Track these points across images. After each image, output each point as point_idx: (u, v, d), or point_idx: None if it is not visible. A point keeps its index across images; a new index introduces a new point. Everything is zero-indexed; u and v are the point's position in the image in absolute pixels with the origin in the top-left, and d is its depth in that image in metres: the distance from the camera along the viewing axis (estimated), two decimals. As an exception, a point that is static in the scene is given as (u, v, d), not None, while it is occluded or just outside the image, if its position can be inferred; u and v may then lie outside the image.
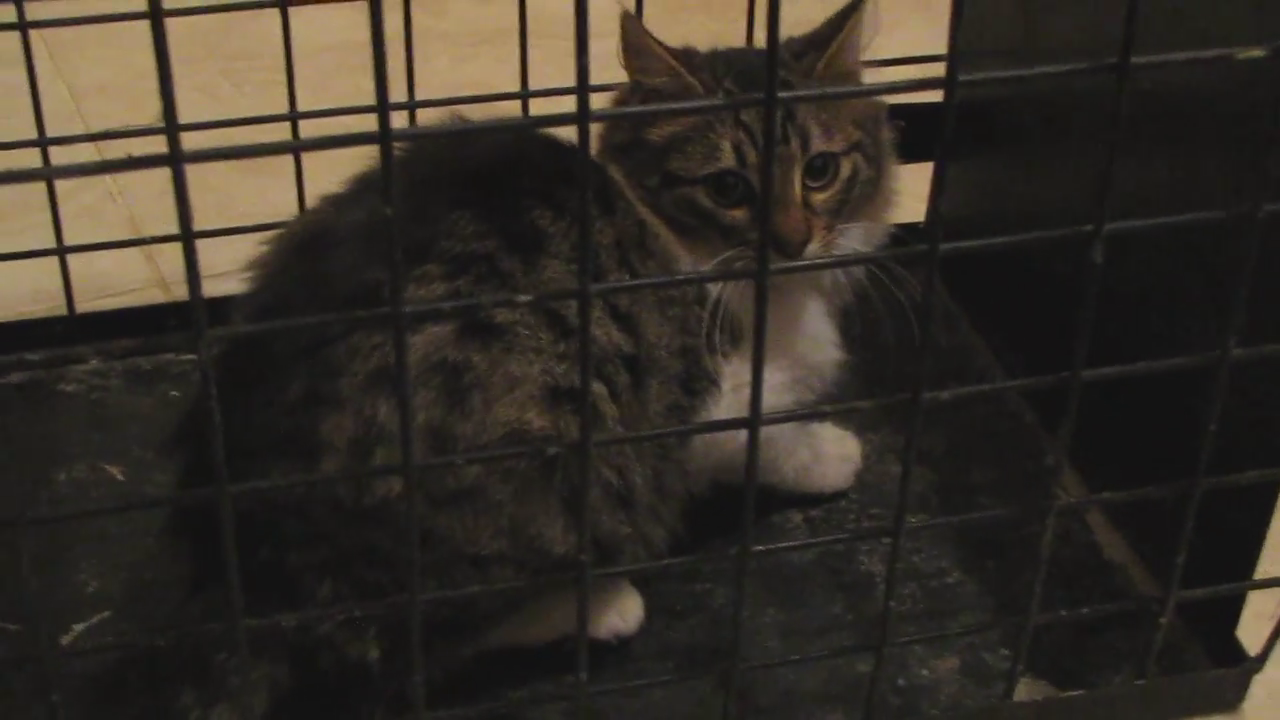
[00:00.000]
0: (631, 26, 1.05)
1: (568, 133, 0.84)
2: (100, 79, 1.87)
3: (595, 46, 1.08)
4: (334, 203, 1.08)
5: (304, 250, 1.04)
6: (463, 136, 1.10)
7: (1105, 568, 1.20)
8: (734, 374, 1.10)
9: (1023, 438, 1.34)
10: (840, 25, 1.08)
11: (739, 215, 1.07)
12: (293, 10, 1.29)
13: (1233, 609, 1.09)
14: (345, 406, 0.96)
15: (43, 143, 1.30)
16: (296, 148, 1.15)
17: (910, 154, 1.46)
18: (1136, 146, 1.19)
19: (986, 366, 1.42)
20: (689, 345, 1.08)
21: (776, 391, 1.12)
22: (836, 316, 1.19)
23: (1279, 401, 1.04)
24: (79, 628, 1.12)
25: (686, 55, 1.08)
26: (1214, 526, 1.07)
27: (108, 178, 1.69)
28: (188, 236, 0.73)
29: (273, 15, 1.31)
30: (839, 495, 1.26)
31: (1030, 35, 1.36)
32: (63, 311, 1.39)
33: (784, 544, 0.96)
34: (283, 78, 1.34)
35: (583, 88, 0.72)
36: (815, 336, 1.16)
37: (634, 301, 1.04)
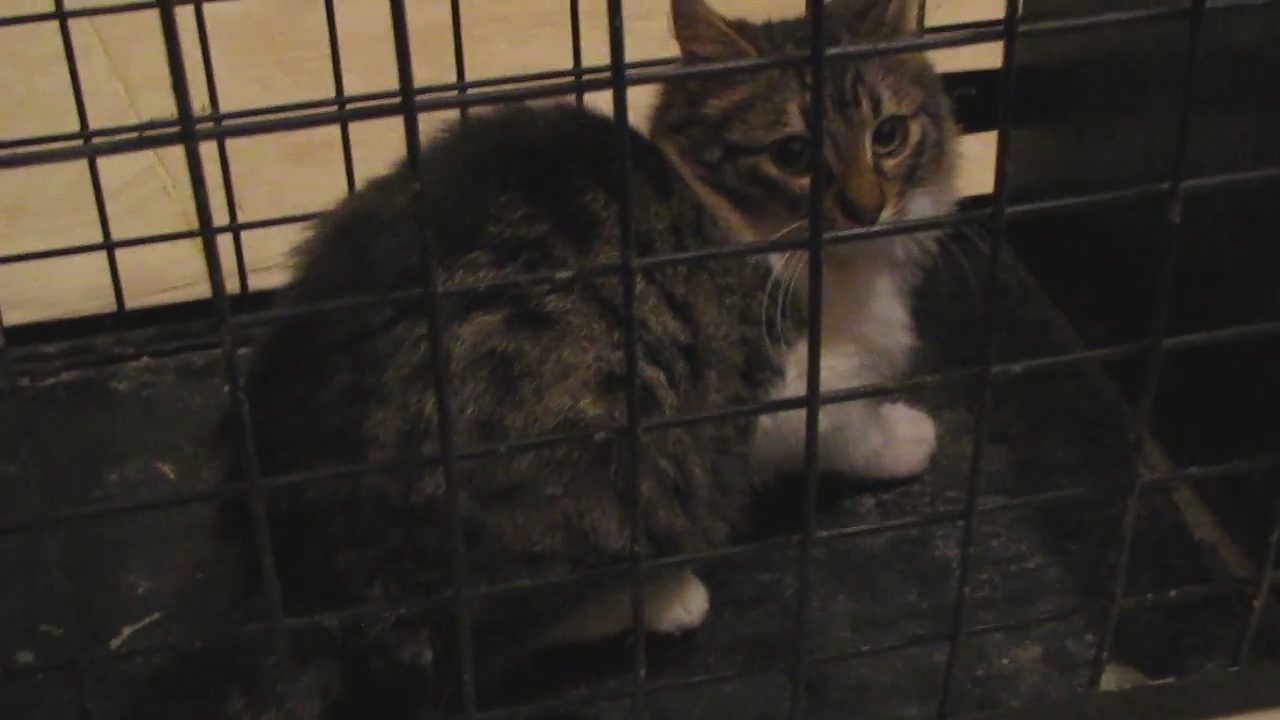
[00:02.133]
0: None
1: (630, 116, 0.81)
2: (155, 73, 1.84)
3: (653, 25, 1.05)
4: (379, 186, 1.05)
5: (347, 236, 1.00)
6: (514, 117, 1.07)
7: (1195, 548, 1.14)
8: (800, 361, 1.05)
9: (1105, 413, 1.28)
10: None
11: (808, 183, 1.02)
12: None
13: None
14: (390, 400, 0.92)
15: (86, 135, 1.27)
16: (312, 121, 1.12)
17: (982, 122, 1.41)
18: (1215, 110, 1.14)
19: (1066, 340, 1.36)
20: (749, 335, 1.03)
21: (844, 378, 1.07)
22: (907, 296, 1.13)
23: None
24: (128, 630, 1.09)
25: (740, 25, 1.03)
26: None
27: (162, 171, 1.67)
28: (207, 228, 0.70)
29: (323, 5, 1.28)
30: (913, 478, 1.21)
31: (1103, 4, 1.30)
32: (114, 308, 1.37)
33: (849, 529, 0.91)
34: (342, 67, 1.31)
35: (617, 52, 0.68)
36: (885, 319, 1.11)
37: (689, 289, 0.99)
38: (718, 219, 1.04)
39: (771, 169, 1.02)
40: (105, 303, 1.39)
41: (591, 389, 0.93)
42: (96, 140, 1.25)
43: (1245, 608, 0.97)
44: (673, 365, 0.98)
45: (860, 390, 0.89)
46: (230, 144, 1.35)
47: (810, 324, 0.77)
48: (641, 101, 1.09)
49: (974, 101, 1.38)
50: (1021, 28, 0.75)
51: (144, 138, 0.68)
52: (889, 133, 1.03)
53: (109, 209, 1.36)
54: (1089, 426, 1.26)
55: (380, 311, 0.94)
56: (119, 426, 1.29)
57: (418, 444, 0.92)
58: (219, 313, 0.68)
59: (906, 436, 1.21)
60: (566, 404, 0.93)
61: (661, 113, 1.08)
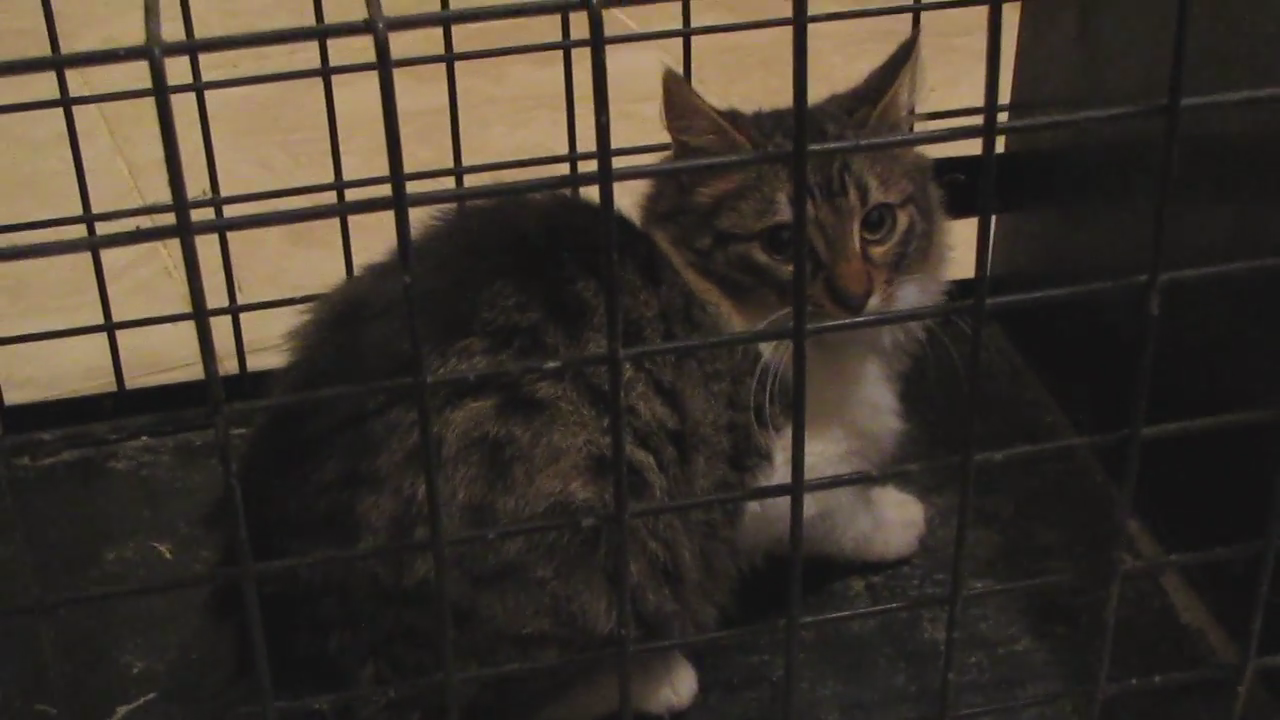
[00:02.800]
0: (675, 86, 1.02)
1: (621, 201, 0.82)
2: (158, 154, 1.87)
3: (646, 109, 1.07)
4: (374, 272, 1.07)
5: (341, 322, 1.02)
6: (508, 205, 1.09)
7: (1183, 633, 1.15)
8: (788, 446, 1.07)
9: (1094, 498, 1.29)
10: (892, 76, 1.06)
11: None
12: (349, 81, 1.28)
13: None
14: (384, 485, 0.93)
15: (88, 219, 1.29)
16: (305, 215, 1.14)
17: (973, 207, 1.43)
18: (1201, 198, 1.16)
19: (1056, 424, 1.37)
20: (737, 421, 1.04)
21: (832, 464, 1.08)
22: (895, 381, 1.15)
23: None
24: (123, 710, 1.10)
25: (732, 114, 1.05)
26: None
27: (164, 252, 1.70)
28: (200, 312, 0.71)
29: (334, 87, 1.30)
30: (903, 561, 1.22)
31: (1094, 86, 1.32)
32: (114, 387, 1.39)
33: (835, 614, 0.92)
34: (341, 149, 1.33)
35: (603, 147, 0.70)
36: (874, 404, 1.12)
37: (677, 377, 1.01)
38: (707, 306, 1.05)
39: (761, 256, 1.03)
40: (106, 382, 1.41)
41: (582, 472, 0.95)
42: (98, 232, 1.27)
43: (1231, 693, 0.98)
44: (661, 450, 0.99)
45: (845, 478, 0.91)
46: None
47: (794, 410, 0.78)
48: (636, 186, 1.11)
49: (965, 187, 1.41)
50: (1000, 125, 0.76)
51: (140, 232, 0.69)
52: (877, 221, 1.04)
53: (111, 289, 1.38)
54: (1078, 510, 1.27)
55: (374, 397, 0.95)
56: (117, 506, 1.30)
57: (410, 528, 0.93)
58: (212, 400, 0.70)
59: (895, 520, 1.22)
60: (557, 487, 0.94)
61: (653, 201, 1.10)
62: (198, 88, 1.26)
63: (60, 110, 1.27)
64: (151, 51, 0.60)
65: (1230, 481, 1.13)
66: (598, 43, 0.63)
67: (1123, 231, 1.30)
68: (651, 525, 0.98)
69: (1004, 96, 1.44)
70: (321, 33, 1.18)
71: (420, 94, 1.45)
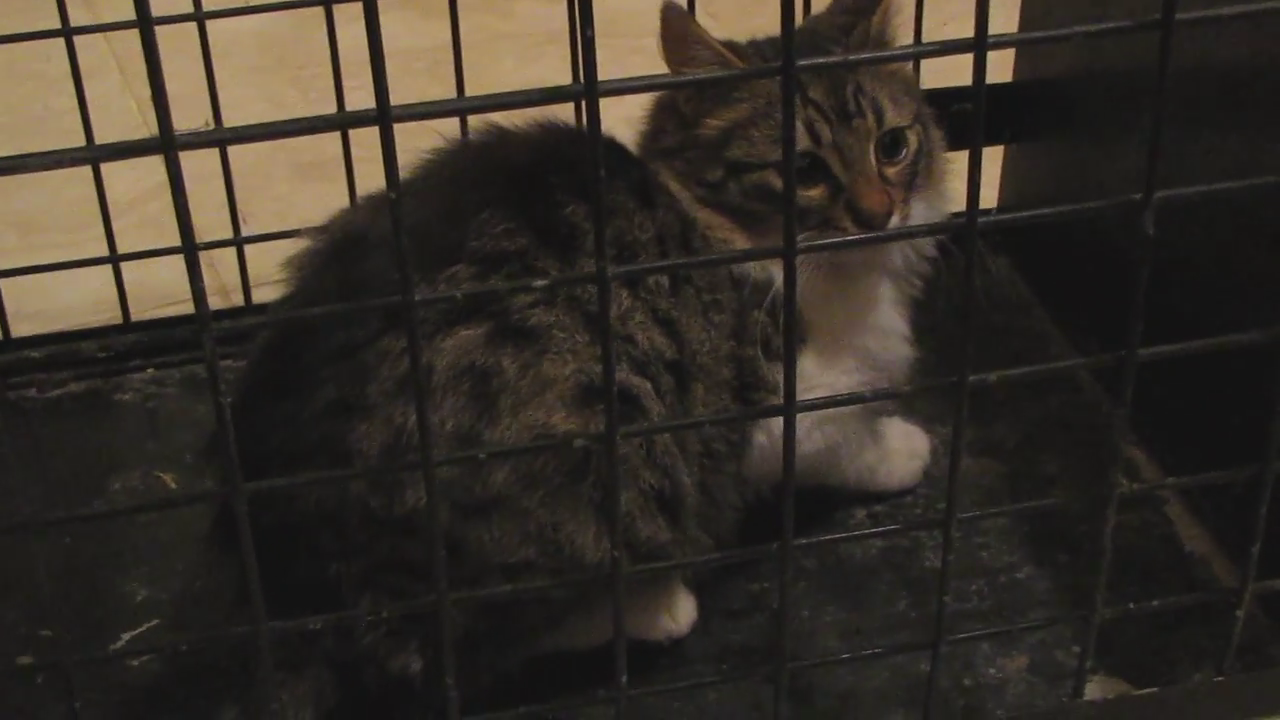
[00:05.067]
0: (673, 16, 1.01)
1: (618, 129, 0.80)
2: (169, 91, 1.88)
3: (647, 43, 1.07)
4: (371, 203, 1.07)
5: (337, 254, 1.02)
6: (499, 135, 1.08)
7: (1186, 560, 1.15)
8: (802, 377, 1.06)
9: (1100, 428, 1.28)
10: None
11: (816, 195, 1.03)
12: (358, 15, 1.27)
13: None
14: (374, 413, 0.93)
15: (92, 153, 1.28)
16: (281, 132, 1.13)
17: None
18: (1205, 126, 1.15)
19: (1062, 354, 1.37)
20: (742, 354, 1.04)
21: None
22: (907, 306, 1.14)
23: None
24: (127, 636, 1.10)
25: (731, 44, 1.04)
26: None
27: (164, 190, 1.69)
28: (188, 244, 0.71)
29: (342, 23, 1.29)
30: (907, 491, 1.21)
31: (1101, 13, 1.31)
32: (120, 320, 1.39)
33: (827, 537, 0.92)
34: (351, 84, 1.32)
35: (590, 64, 0.69)
36: (886, 330, 1.11)
37: (675, 305, 1.00)
38: (711, 237, 1.04)
39: (778, 183, 1.03)
40: (113, 315, 1.41)
41: (567, 404, 0.94)
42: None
43: (1231, 618, 0.98)
44: (658, 378, 0.99)
45: (839, 398, 0.90)
46: (238, 160, 1.38)
47: (785, 329, 0.77)
48: (636, 123, 1.10)
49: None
50: (992, 39, 0.75)
51: (126, 144, 0.69)
52: (891, 143, 1.04)
53: (118, 224, 1.38)
54: (1083, 440, 1.27)
55: (365, 326, 0.95)
56: (123, 437, 1.30)
57: (401, 457, 0.93)
58: (200, 318, 0.70)
59: (901, 451, 1.21)
60: (540, 419, 0.94)
61: (653, 138, 1.09)
62: (199, 17, 1.25)
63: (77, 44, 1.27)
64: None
65: (1234, 407, 1.12)
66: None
67: (1133, 161, 1.28)
68: (646, 452, 0.98)
69: (1012, 26, 1.42)
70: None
71: (429, 30, 1.44)
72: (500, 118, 1.06)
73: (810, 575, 1.13)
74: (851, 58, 0.82)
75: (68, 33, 1.25)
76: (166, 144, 0.69)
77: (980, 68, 0.77)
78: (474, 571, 0.96)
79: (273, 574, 1.00)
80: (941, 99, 1.39)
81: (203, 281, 0.71)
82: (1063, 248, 1.39)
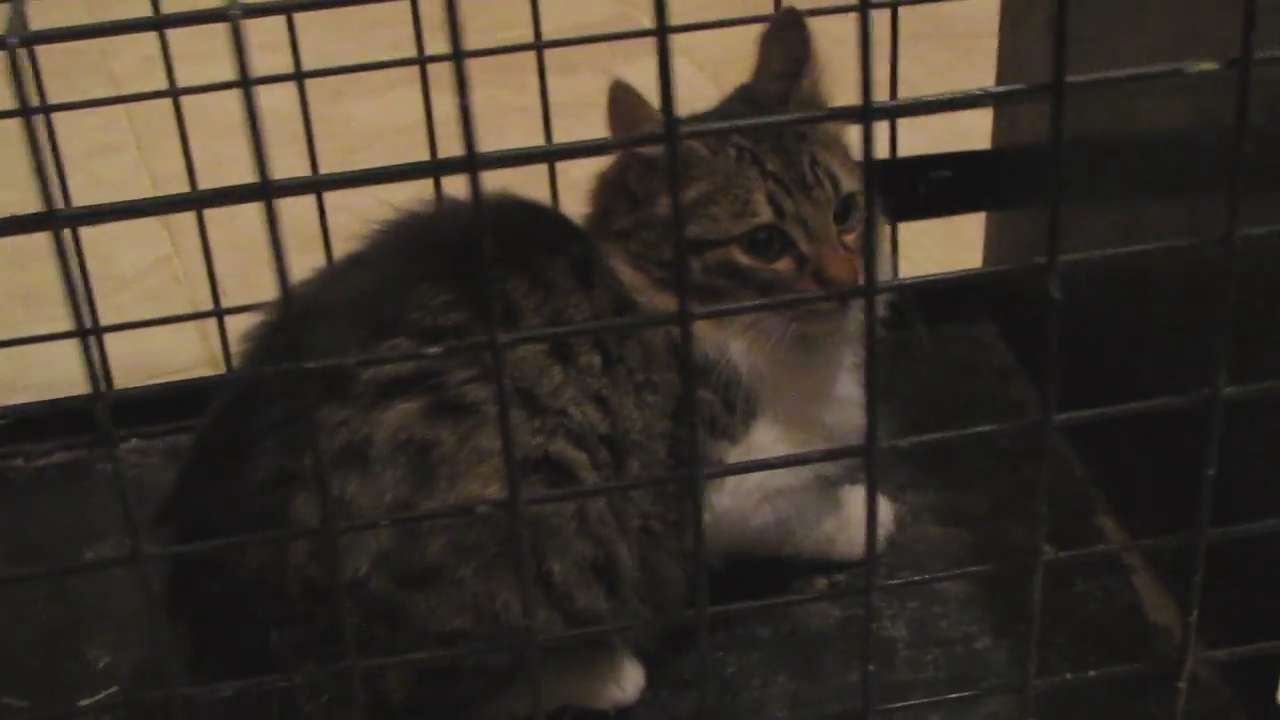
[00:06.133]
0: (621, 94, 1.00)
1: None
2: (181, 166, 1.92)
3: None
4: (324, 274, 1.08)
5: (285, 324, 1.03)
6: (449, 206, 1.10)
7: (1149, 631, 1.13)
8: (755, 451, 1.07)
9: (1074, 496, 1.27)
10: (801, 53, 1.06)
11: (782, 268, 1.03)
12: (369, 93, 1.29)
13: (1272, 670, 1.01)
14: (314, 484, 0.94)
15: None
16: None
17: (958, 204, 1.42)
18: (1155, 192, 1.15)
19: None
20: (679, 433, 1.03)
21: (797, 469, 1.08)
22: (859, 371, 1.14)
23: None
24: (84, 702, 1.11)
25: (684, 119, 1.04)
26: (1258, 581, 1.00)
27: (175, 261, 1.72)
28: (87, 327, 0.72)
29: (352, 98, 1.31)
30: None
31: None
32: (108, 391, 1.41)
33: (740, 604, 0.91)
34: (356, 159, 1.34)
35: (469, 135, 0.70)
36: (844, 400, 1.11)
37: (605, 385, 1.01)
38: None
39: (743, 259, 1.03)
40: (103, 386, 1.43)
41: (502, 475, 0.95)
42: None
43: (1189, 690, 0.96)
44: (595, 451, 0.99)
45: (738, 466, 0.90)
46: (240, 233, 1.40)
47: (685, 393, 0.78)
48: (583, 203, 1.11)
49: (950, 183, 1.40)
50: (877, 105, 0.75)
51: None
52: (843, 210, 1.04)
53: (121, 296, 1.41)
54: (1055, 508, 1.24)
55: (306, 397, 0.96)
56: (102, 507, 1.32)
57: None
58: (103, 428, 0.71)
59: (861, 519, 1.20)
60: (476, 491, 0.94)
61: (602, 219, 1.08)
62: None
63: (94, 124, 1.30)
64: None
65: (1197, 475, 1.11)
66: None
67: (1105, 226, 1.28)
68: (579, 522, 0.98)
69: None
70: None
71: (438, 104, 1.46)
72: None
73: (763, 644, 1.12)
74: (739, 123, 0.83)
75: (26, 113, 1.27)
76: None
77: (868, 137, 0.77)
78: (412, 640, 0.96)
79: (220, 642, 1.02)
80: (917, 166, 1.40)
81: (99, 374, 0.72)
82: (1040, 315, 1.38)
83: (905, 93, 1.39)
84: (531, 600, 0.81)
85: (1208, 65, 0.76)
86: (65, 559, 1.25)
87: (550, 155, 1.02)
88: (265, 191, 0.70)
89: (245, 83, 0.63)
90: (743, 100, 1.08)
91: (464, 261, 1.01)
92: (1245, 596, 1.05)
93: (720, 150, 1.03)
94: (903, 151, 1.42)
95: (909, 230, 1.45)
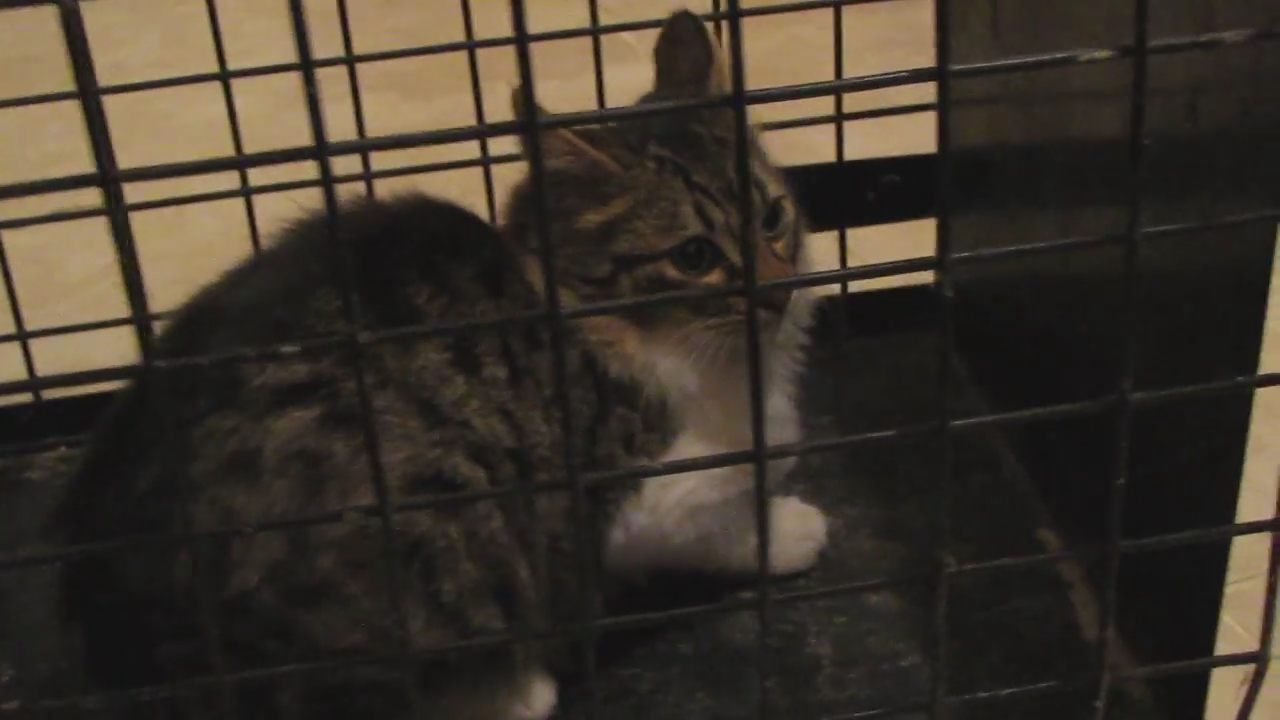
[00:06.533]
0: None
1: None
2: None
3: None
4: (229, 278, 1.05)
5: (188, 327, 1.00)
6: (363, 207, 1.07)
7: (1084, 648, 1.09)
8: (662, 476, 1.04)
9: (1017, 510, 1.23)
10: (703, 56, 1.03)
11: (715, 280, 1.00)
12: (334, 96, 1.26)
13: (1199, 684, 0.97)
14: (198, 494, 0.91)
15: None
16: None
17: (908, 210, 1.38)
18: (1089, 195, 1.11)
19: (988, 433, 1.32)
20: (593, 452, 1.00)
21: (717, 485, 1.05)
22: (792, 383, 1.11)
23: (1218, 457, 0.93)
24: (-13, 720, 1.08)
25: (589, 133, 1.01)
26: (1183, 593, 0.97)
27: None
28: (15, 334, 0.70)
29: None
30: (798, 574, 1.17)
31: (1005, 80, 1.27)
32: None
33: (628, 617, 0.87)
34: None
35: (318, 125, 0.67)
36: (773, 418, 1.07)
37: (511, 398, 0.97)
38: (592, 340, 1.01)
39: (673, 273, 1.00)
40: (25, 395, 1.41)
41: (395, 492, 0.91)
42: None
43: (1124, 703, 0.93)
44: (498, 467, 0.96)
45: (620, 473, 0.86)
46: (189, 241, 1.37)
47: (558, 397, 0.74)
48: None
49: (900, 188, 1.37)
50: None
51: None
52: (772, 217, 1.01)
53: (68, 303, 1.39)
54: (997, 522, 1.22)
55: (194, 404, 0.93)
56: (27, 516, 1.29)
57: (226, 539, 0.91)
58: None
59: (792, 532, 1.17)
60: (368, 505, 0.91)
61: (519, 233, 1.04)
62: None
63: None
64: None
65: (1135, 486, 1.07)
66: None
67: (1045, 234, 1.24)
68: (469, 542, 0.94)
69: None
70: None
71: (411, 110, 1.44)
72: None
73: (685, 660, 1.09)
74: (599, 111, 0.79)
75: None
76: (320, 150, 0.66)
77: (741, 119, 0.74)
78: (304, 656, 0.93)
79: (111, 653, 0.99)
80: (866, 171, 1.36)
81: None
82: (994, 328, 1.35)
83: (877, 100, 1.35)
84: (403, 610, 0.77)
85: (1102, 54, 0.74)
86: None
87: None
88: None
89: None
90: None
91: (367, 264, 0.98)
92: (1177, 612, 1.02)
93: (635, 164, 1.00)
94: (850, 156, 1.38)
95: (868, 236, 1.42)
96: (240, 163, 0.67)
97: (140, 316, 0.69)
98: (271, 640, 0.93)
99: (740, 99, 0.68)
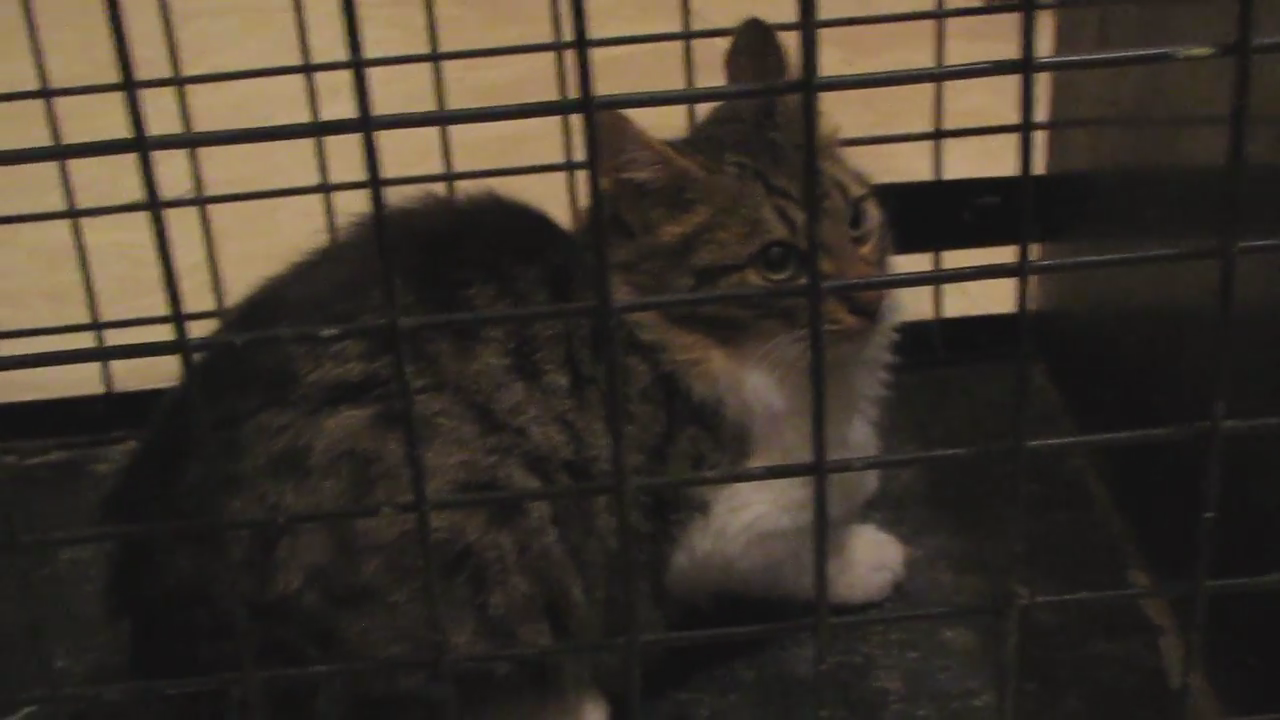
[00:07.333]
0: (610, 120, 0.93)
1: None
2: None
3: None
4: (295, 270, 1.02)
5: (248, 320, 0.98)
6: (435, 204, 1.03)
7: (1169, 697, 1.03)
8: (732, 495, 1.00)
9: (1106, 549, 1.17)
10: (776, 65, 1.00)
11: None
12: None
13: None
14: (247, 490, 0.89)
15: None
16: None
17: (1005, 233, 1.33)
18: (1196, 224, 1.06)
19: (1080, 467, 1.26)
20: (655, 469, 0.97)
21: (790, 509, 1.00)
22: (876, 405, 1.06)
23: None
24: (30, 707, 1.07)
25: (673, 142, 0.98)
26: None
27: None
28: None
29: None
30: (872, 604, 1.12)
31: (1115, 99, 1.22)
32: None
33: (674, 634, 0.84)
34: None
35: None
36: (854, 446, 1.03)
37: (572, 408, 0.94)
38: (675, 360, 0.97)
39: (759, 281, 0.96)
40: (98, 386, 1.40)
41: (445, 497, 0.88)
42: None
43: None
44: (553, 478, 0.93)
45: (664, 481, 0.82)
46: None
47: (610, 399, 0.71)
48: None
49: (998, 210, 1.31)
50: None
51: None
52: (856, 217, 0.97)
53: (150, 300, 1.37)
54: (1085, 560, 1.16)
55: (247, 400, 0.91)
56: (89, 507, 1.27)
57: (273, 537, 0.88)
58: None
59: (865, 562, 1.12)
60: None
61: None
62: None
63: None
64: None
65: (1230, 525, 1.01)
66: None
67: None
68: (521, 555, 0.91)
69: (1042, 114, 1.34)
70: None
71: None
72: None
73: (746, 687, 1.04)
74: (648, 95, 0.76)
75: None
76: (365, 123, 0.64)
77: (810, 107, 0.70)
78: (345, 661, 0.90)
79: (156, 650, 0.97)
80: (963, 191, 1.31)
81: None
82: (1093, 360, 1.29)
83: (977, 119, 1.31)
84: (437, 614, 0.74)
85: (1202, 50, 0.69)
86: (37, 561, 1.21)
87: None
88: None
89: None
90: (724, 121, 1.02)
91: (430, 262, 0.95)
92: (1272, 660, 0.96)
93: (717, 170, 0.96)
94: (948, 175, 1.34)
95: (955, 260, 1.37)
96: (270, 134, 0.64)
97: (175, 308, 0.67)
98: (312, 646, 0.90)
99: (811, 85, 0.64)
